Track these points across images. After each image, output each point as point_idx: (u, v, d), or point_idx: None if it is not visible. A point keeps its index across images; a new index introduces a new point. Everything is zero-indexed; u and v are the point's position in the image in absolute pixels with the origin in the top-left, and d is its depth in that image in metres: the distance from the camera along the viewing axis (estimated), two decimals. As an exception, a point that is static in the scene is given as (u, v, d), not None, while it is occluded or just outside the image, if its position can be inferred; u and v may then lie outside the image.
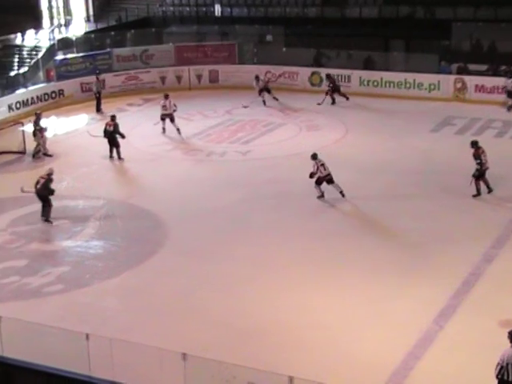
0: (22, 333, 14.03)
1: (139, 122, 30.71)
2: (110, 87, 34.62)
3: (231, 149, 27.13)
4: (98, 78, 32.52)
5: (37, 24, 36.95)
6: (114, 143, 26.12)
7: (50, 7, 40.10)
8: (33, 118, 27.26)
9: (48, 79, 34.23)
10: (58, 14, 40.83)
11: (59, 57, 35.18)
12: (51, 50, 35.51)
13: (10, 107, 31.36)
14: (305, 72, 34.86)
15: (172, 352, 12.50)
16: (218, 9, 40.20)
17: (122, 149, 26.27)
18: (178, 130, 28.46)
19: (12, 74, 34.14)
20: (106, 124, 26.39)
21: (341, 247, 19.13)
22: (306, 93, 34.23)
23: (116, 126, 26.16)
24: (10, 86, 33.19)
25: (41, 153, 26.61)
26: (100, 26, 40.20)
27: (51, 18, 39.91)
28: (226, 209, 21.75)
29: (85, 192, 23.60)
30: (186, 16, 40.96)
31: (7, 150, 26.66)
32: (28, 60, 35.05)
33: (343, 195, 21.90)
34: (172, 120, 28.60)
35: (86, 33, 39.00)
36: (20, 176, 25.30)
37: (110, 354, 12.65)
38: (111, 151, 26.14)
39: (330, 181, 22.00)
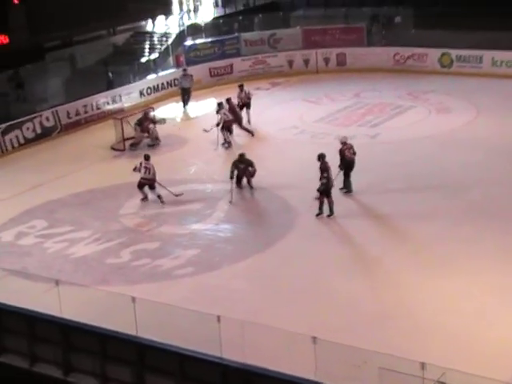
0: (155, 314, 14.37)
1: (267, 106, 30.78)
2: (238, 71, 34.87)
3: (359, 132, 26.83)
4: (185, 73, 31.82)
5: (167, 10, 37.51)
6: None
7: (180, -7, 40.73)
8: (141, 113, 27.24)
9: (177, 65, 34.69)
10: (188, 0, 41.39)
11: (188, 42, 35.67)
12: (181, 36, 36.03)
13: (141, 92, 32.05)
14: (434, 53, 34.09)
15: (302, 335, 12.50)
16: (346, -9, 39.87)
17: (256, 131, 26.70)
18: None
19: (143, 60, 34.86)
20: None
21: (471, 232, 18.69)
22: (436, 75, 33.47)
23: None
24: (141, 71, 33.90)
25: (138, 145, 26.63)
26: (228, 10, 40.53)
27: (180, 4, 40.32)
28: (355, 192, 21.55)
29: (213, 175, 23.88)
30: (313, -1, 40.92)
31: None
32: (158, 46, 35.68)
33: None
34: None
35: (215, 18, 39.35)
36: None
37: (241, 335, 12.77)
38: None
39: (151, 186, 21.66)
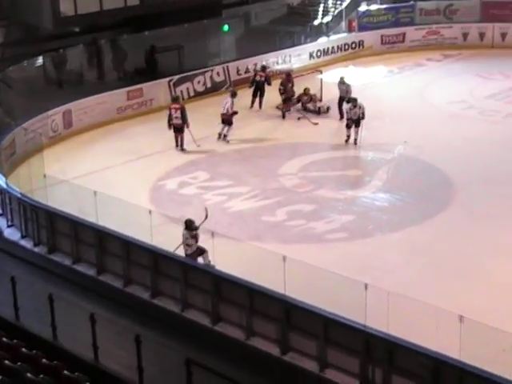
0: (304, 275, 14.55)
1: (436, 78, 30.26)
2: (410, 41, 34.27)
3: (531, 112, 25.97)
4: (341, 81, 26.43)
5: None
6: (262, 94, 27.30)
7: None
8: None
9: (349, 30, 34.54)
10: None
11: (362, 8, 35.32)
12: (355, 1, 35.65)
13: (310, 55, 32.15)
14: None
15: (449, 312, 12.35)
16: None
17: (423, 103, 26.65)
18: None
19: (315, 22, 34.85)
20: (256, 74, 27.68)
21: None
22: None
23: (268, 77, 27.38)
24: (313, 34, 33.94)
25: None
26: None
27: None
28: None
29: (375, 144, 23.74)
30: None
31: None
32: (332, 9, 35.56)
33: None
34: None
35: (392, -16, 38.79)
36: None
37: (387, 306, 12.75)
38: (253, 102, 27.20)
39: None
